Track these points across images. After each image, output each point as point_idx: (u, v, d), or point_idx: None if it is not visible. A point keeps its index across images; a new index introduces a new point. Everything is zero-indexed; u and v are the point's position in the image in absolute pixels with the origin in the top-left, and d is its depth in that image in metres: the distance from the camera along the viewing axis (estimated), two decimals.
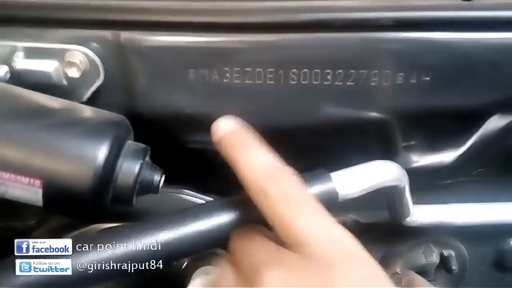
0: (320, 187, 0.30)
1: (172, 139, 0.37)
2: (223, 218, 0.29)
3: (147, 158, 0.31)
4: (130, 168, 0.30)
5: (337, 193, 0.30)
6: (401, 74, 0.31)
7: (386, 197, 0.36)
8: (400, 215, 0.38)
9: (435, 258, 0.42)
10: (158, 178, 0.31)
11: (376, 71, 0.31)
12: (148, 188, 0.31)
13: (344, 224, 0.44)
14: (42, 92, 0.31)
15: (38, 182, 0.28)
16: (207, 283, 0.33)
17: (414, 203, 0.38)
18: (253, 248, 0.25)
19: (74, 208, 0.29)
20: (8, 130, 0.28)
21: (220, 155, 0.31)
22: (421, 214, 0.39)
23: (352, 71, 0.31)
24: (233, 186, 0.29)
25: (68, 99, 0.32)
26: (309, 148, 0.31)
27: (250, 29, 0.31)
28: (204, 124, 0.34)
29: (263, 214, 0.26)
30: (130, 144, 0.31)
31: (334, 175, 0.31)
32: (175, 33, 0.31)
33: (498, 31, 0.30)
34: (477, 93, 0.32)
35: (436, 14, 0.29)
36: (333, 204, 0.30)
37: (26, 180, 0.28)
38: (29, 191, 0.28)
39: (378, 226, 0.43)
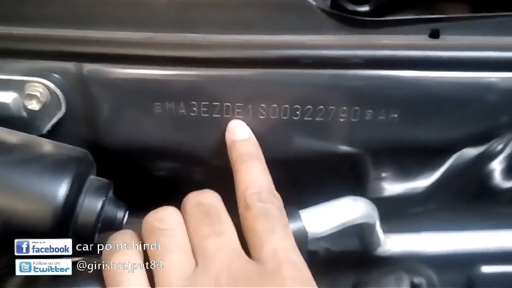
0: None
1: (136, 170, 0.36)
2: None
3: (110, 194, 0.30)
4: (92, 205, 0.29)
5: (307, 232, 0.29)
6: (370, 111, 0.31)
7: (356, 230, 0.36)
8: (371, 245, 0.38)
9: (406, 286, 0.42)
10: (122, 214, 0.30)
11: (344, 108, 0.31)
12: (110, 225, 0.30)
13: (315, 253, 0.45)
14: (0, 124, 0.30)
15: None
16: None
17: (385, 231, 0.38)
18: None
19: None
20: None
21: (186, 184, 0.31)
22: (392, 243, 0.39)
23: (321, 107, 0.31)
24: None
25: (28, 131, 0.31)
26: (279, 181, 0.30)
27: (218, 64, 0.30)
28: (171, 155, 0.33)
29: (242, 226, 0.28)
30: (93, 180, 0.30)
31: (303, 213, 0.30)
32: (141, 66, 0.30)
33: (464, 70, 0.30)
34: (444, 129, 0.32)
35: (403, 53, 0.29)
36: (302, 244, 0.29)
37: None
38: None
39: (349, 254, 0.43)
